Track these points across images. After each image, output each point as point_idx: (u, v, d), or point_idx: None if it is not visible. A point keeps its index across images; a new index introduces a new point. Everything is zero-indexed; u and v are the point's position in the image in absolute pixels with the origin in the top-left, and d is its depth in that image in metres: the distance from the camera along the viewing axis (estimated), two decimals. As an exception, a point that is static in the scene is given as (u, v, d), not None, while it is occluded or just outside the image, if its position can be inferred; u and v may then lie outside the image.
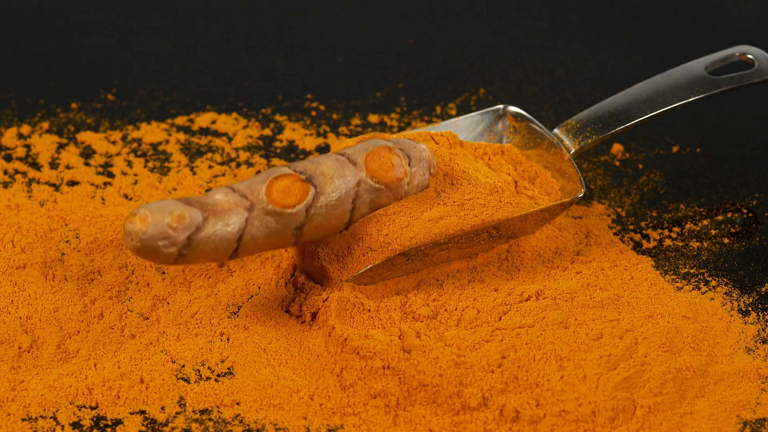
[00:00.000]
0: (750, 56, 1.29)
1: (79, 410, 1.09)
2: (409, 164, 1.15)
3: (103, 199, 1.28)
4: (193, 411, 1.09)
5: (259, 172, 1.31)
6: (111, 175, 1.31)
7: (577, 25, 1.54)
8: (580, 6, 1.57)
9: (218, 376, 1.11)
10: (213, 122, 1.38)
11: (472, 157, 1.22)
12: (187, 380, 1.11)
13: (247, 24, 1.53)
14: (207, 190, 1.28)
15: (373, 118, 1.39)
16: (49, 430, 1.08)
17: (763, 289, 1.20)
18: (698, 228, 1.27)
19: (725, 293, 1.20)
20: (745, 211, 1.29)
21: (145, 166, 1.32)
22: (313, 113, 1.39)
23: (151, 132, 1.36)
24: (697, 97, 1.26)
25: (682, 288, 1.20)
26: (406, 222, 1.15)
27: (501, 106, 1.28)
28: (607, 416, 1.08)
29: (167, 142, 1.35)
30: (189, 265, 1.14)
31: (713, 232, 1.26)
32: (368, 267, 1.15)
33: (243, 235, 1.09)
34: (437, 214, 1.16)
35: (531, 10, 1.56)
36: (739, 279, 1.21)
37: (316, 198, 1.11)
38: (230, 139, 1.36)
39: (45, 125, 1.36)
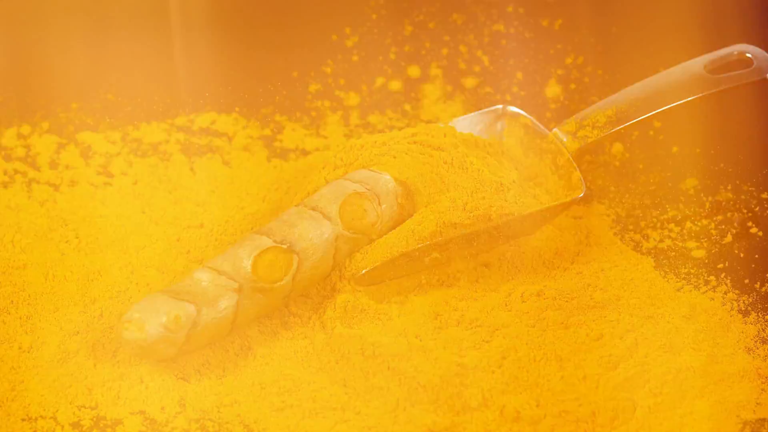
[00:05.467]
0: (749, 55, 1.29)
1: (79, 410, 1.09)
2: (379, 203, 1.16)
3: (103, 200, 1.28)
4: (193, 411, 1.09)
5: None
6: (111, 175, 1.31)
7: (577, 25, 1.53)
8: (580, 6, 1.56)
9: (218, 376, 1.11)
10: (213, 122, 1.38)
11: (483, 153, 1.22)
12: (187, 380, 1.11)
13: (248, 23, 1.53)
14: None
15: (373, 119, 1.39)
16: (49, 430, 1.08)
17: (763, 289, 1.20)
18: (698, 228, 1.27)
19: (725, 293, 1.20)
20: (745, 211, 1.29)
21: (145, 166, 1.32)
22: (313, 113, 1.39)
23: (151, 132, 1.36)
24: (696, 96, 1.26)
25: (682, 288, 1.20)
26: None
27: (500, 106, 1.28)
28: (607, 416, 1.08)
29: (167, 142, 1.35)
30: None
31: (713, 232, 1.26)
32: (371, 268, 1.15)
33: (236, 317, 1.10)
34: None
35: (531, 9, 1.56)
36: (739, 279, 1.21)
37: (301, 264, 1.12)
38: (230, 139, 1.36)
39: (45, 125, 1.36)
